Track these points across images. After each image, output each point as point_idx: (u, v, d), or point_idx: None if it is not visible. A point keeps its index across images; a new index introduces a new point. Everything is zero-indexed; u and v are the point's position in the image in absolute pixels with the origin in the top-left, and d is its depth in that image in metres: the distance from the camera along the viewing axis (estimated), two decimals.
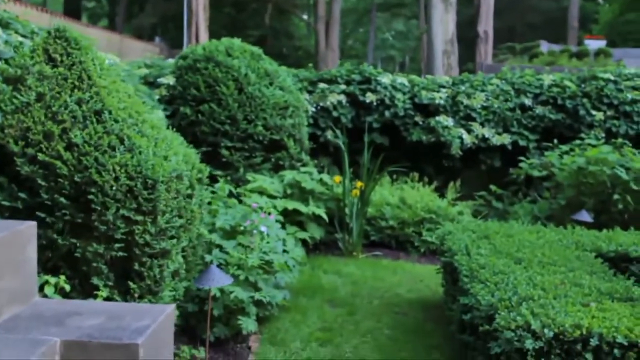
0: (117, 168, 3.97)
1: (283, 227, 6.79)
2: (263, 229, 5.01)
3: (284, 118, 7.87)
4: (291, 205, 6.84)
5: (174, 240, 4.26)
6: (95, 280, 3.98)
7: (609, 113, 9.22)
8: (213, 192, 6.05)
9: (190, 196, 4.55)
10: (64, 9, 33.65)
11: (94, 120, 4.09)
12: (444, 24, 18.03)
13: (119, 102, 4.31)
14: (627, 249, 4.97)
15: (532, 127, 9.38)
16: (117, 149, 4.04)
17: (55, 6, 36.37)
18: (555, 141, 8.81)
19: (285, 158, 7.83)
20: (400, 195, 8.06)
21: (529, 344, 2.96)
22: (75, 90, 4.20)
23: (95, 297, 3.97)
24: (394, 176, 8.89)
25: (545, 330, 2.99)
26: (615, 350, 2.96)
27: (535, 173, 8.67)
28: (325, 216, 7.00)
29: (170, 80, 8.22)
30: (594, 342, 2.97)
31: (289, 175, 7.35)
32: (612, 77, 9.41)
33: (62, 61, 4.29)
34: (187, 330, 4.65)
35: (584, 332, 2.99)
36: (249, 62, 7.95)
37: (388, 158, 8.63)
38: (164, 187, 4.10)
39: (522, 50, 28.53)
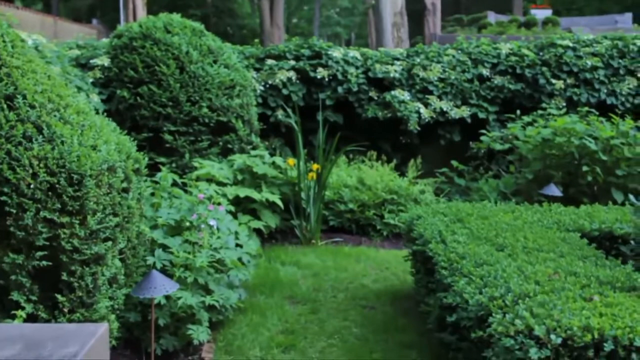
0: (35, 162, 3.36)
1: (235, 217, 6.24)
2: (212, 222, 4.45)
3: (231, 98, 7.30)
4: (243, 192, 6.29)
5: (109, 243, 3.68)
6: (15, 296, 3.38)
7: (569, 81, 8.87)
8: (155, 183, 5.46)
9: (126, 190, 3.96)
10: None
11: (4, 106, 3.46)
12: None
13: (35, 85, 3.68)
14: (611, 227, 4.57)
15: (491, 99, 8.98)
16: (34, 139, 3.43)
17: None
18: (518, 112, 8.41)
19: (234, 141, 7.27)
20: (359, 176, 7.57)
21: (533, 353, 2.49)
22: None
23: (14, 316, 3.38)
24: (350, 156, 8.40)
25: (552, 336, 2.52)
26: (634, 355, 2.52)
27: (498, 146, 8.28)
28: (280, 202, 6.47)
29: (104, 61, 7.55)
30: (608, 346, 2.51)
31: (238, 159, 6.79)
32: (570, 44, 9.06)
33: None
34: (131, 342, 4.08)
35: (596, 336, 2.54)
36: (190, 39, 7.33)
37: (343, 137, 8.12)
38: (93, 182, 3.51)
39: (469, 22, 28.26)
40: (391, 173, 7.75)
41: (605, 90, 8.88)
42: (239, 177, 6.62)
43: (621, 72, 8.92)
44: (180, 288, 4.05)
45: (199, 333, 3.95)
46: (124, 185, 3.91)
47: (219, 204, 4.93)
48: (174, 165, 7.00)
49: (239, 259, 4.63)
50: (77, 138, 3.57)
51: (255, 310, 4.75)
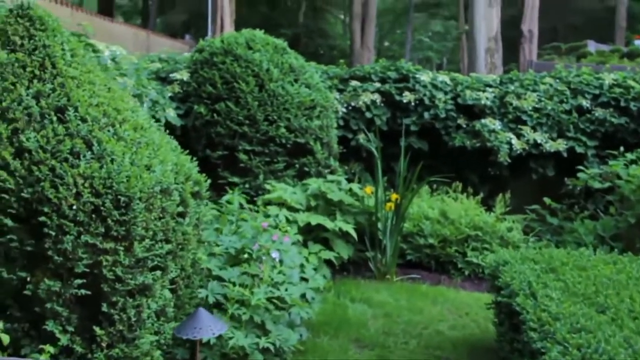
0: (80, 181, 3.06)
1: (305, 245, 5.85)
2: (274, 255, 4.07)
3: (310, 119, 6.96)
4: (315, 219, 5.89)
5: (158, 272, 3.35)
6: (50, 326, 3.08)
7: None
8: (220, 205, 5.15)
9: (182, 215, 3.63)
10: (98, 8, 33.23)
11: (54, 119, 3.19)
12: (487, 20, 16.90)
13: (91, 97, 3.40)
14: None
15: (591, 132, 8.29)
16: (82, 156, 3.14)
17: (92, 6, 35.98)
18: (622, 149, 7.70)
19: (311, 164, 6.91)
20: (441, 209, 7.05)
21: None
22: (35, 81, 3.30)
23: (52, 345, 3.07)
24: (434, 186, 7.89)
25: None
26: None
27: (596, 184, 7.60)
28: (354, 233, 6.03)
29: (184, 75, 7.34)
30: None
31: (313, 184, 6.41)
32: None
33: (22, 45, 3.40)
34: None
35: None
36: (271, 56, 7.05)
37: (427, 166, 7.65)
38: (143, 206, 3.19)
39: (568, 50, 27.15)
40: (477, 207, 7.20)
41: None
42: (312, 203, 6.23)
43: None
44: (233, 326, 3.67)
45: None
46: (180, 209, 3.59)
47: (285, 232, 4.54)
48: (247, 186, 6.70)
49: (303, 296, 4.23)
50: (130, 157, 3.26)
51: (317, 352, 4.32)
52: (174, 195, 3.48)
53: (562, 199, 8.07)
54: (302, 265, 4.57)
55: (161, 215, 3.37)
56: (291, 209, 6.04)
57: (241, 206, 5.20)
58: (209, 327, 3.07)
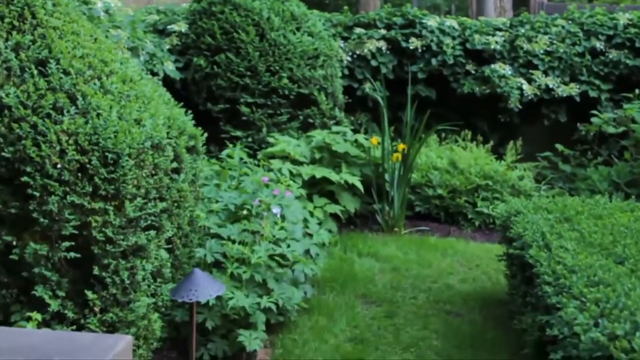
0: (64, 138, 2.88)
1: (310, 199, 5.69)
2: (275, 210, 3.90)
3: (314, 69, 6.73)
4: (320, 172, 5.71)
5: (152, 232, 3.19)
6: (39, 291, 2.94)
7: None
8: (221, 160, 4.98)
9: (177, 171, 3.46)
10: None
11: (35, 72, 2.99)
12: None
13: (74, 49, 3.20)
14: None
15: (605, 76, 8.00)
16: (65, 111, 2.95)
17: None
18: (637, 92, 7.42)
19: (316, 115, 6.70)
20: (450, 158, 6.85)
21: None
22: (14, 33, 3.10)
23: (42, 312, 2.94)
24: (442, 135, 7.66)
25: None
26: None
27: (610, 129, 7.36)
28: (360, 185, 5.85)
29: (182, 27, 7.08)
30: None
31: (318, 136, 6.21)
32: None
33: None
34: (178, 343, 3.60)
35: None
36: (272, 4, 6.79)
37: (435, 114, 7.41)
38: (133, 162, 3.01)
39: None
40: (487, 156, 6.99)
41: None
42: (317, 156, 6.05)
43: None
44: (234, 285, 3.53)
45: (252, 340, 3.42)
46: (174, 165, 3.41)
47: (287, 186, 4.37)
48: (250, 139, 6.52)
49: (307, 252, 4.08)
50: (118, 111, 3.07)
51: (323, 310, 4.19)
52: (167, 151, 3.30)
53: (575, 145, 7.85)
54: (305, 220, 4.41)
55: (154, 172, 3.19)
56: (295, 162, 5.86)
57: (243, 161, 5.01)
58: (206, 288, 2.92)
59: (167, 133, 3.34)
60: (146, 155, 3.10)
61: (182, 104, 3.85)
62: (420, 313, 4.25)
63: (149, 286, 3.22)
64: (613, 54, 7.93)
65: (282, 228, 3.91)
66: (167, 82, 6.57)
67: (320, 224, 4.60)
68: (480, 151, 7.13)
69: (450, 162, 6.77)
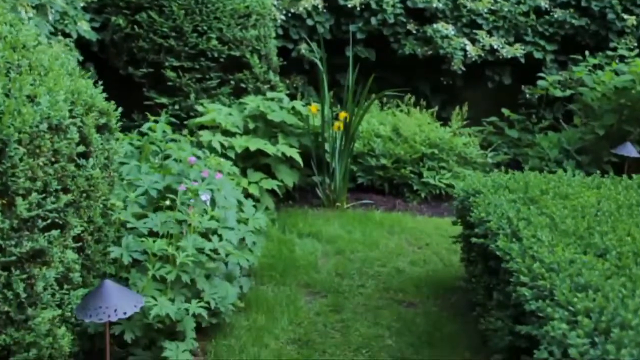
0: None
1: (244, 174, 5.18)
2: (204, 197, 3.37)
3: (246, 29, 6.16)
4: (254, 144, 5.20)
5: (55, 232, 2.63)
6: None
7: None
8: (142, 135, 4.40)
9: (85, 155, 2.90)
10: None
11: None
12: None
13: None
14: None
15: (550, 36, 7.67)
16: None
17: None
18: (587, 53, 7.11)
19: (249, 80, 6.15)
20: (394, 124, 6.41)
21: None
22: None
23: None
24: (383, 99, 7.20)
25: None
26: None
27: (557, 93, 7.04)
28: (299, 158, 5.36)
29: None
30: None
31: (251, 103, 5.67)
32: None
33: None
34: (94, 356, 3.07)
35: None
36: None
37: (376, 77, 6.96)
38: (24, 150, 2.44)
39: None
40: (431, 122, 6.59)
41: None
42: (251, 125, 5.51)
43: None
44: (157, 289, 3.01)
45: (179, 353, 2.92)
46: (81, 149, 2.85)
47: (218, 165, 3.84)
48: (176, 107, 5.94)
49: (242, 240, 3.58)
50: (4, 86, 2.48)
51: (261, 306, 3.71)
52: (71, 133, 2.74)
53: (520, 109, 7.54)
54: (240, 203, 3.90)
55: (53, 159, 2.63)
56: (227, 132, 5.33)
57: (166, 135, 4.44)
58: (119, 305, 2.40)
59: (71, 111, 2.77)
60: (42, 140, 2.53)
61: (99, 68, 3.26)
62: (370, 305, 3.82)
63: (53, 295, 2.68)
64: (558, 13, 7.60)
65: (212, 217, 3.39)
66: (82, 44, 5.93)
67: (255, 206, 4.09)
68: (424, 116, 6.72)
69: (394, 128, 6.34)
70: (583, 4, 7.58)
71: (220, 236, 3.36)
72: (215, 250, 3.28)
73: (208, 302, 3.13)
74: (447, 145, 6.21)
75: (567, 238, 2.91)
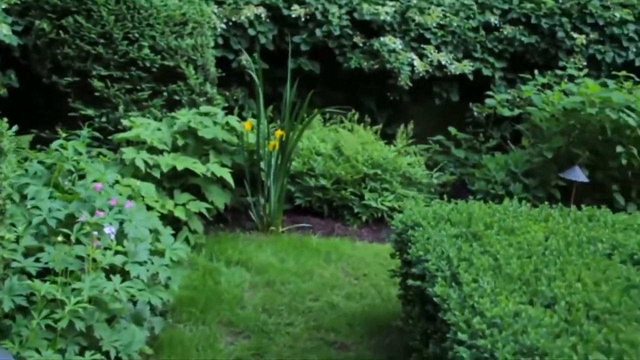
0: None
1: (171, 195, 4.78)
2: (108, 230, 2.98)
3: (181, 37, 5.80)
4: (182, 163, 4.80)
5: None
6: None
7: (592, 36, 7.38)
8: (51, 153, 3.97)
9: None
10: None
11: None
12: None
13: None
14: None
15: (499, 53, 7.46)
16: None
17: None
18: (536, 72, 6.91)
19: (183, 91, 5.79)
20: (335, 142, 6.09)
21: None
22: None
23: None
24: (326, 114, 6.87)
25: None
26: None
27: (506, 112, 6.83)
28: (230, 179, 4.99)
29: None
30: None
31: (182, 118, 5.28)
32: None
33: None
34: None
35: None
36: None
37: (319, 91, 6.65)
38: None
39: None
40: (375, 140, 6.28)
41: (635, 49, 7.41)
42: (180, 142, 5.12)
43: None
44: (45, 337, 2.60)
45: None
46: None
47: (130, 196, 3.45)
48: (103, 119, 5.55)
49: (153, 277, 3.19)
50: None
51: (175, 349, 3.31)
52: None
53: (467, 127, 7.30)
54: (156, 233, 3.51)
55: None
56: (153, 149, 4.93)
57: (79, 153, 4.01)
58: None
59: None
60: None
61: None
62: (298, 347, 3.46)
63: None
64: (508, 30, 7.40)
65: (117, 253, 3.00)
66: (2, 48, 5.51)
67: (175, 234, 3.70)
68: (368, 134, 6.42)
69: (335, 146, 6.02)
70: (533, 21, 7.40)
71: (122, 278, 2.95)
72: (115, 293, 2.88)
73: (107, 352, 2.74)
74: (391, 166, 5.92)
75: (511, 284, 2.60)
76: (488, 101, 6.98)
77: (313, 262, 4.59)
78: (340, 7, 7.38)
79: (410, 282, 2.93)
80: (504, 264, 2.78)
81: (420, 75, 7.15)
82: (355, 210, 5.71)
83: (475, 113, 7.25)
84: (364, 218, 5.69)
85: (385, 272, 4.36)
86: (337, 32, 7.23)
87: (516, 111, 6.80)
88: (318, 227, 5.49)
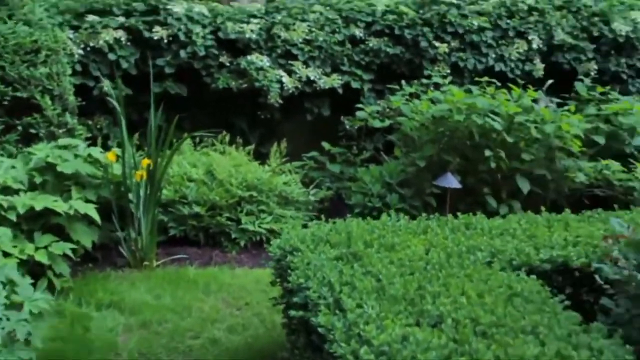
0: None
1: (30, 238, 4.41)
2: None
3: (34, 66, 5.48)
4: (40, 202, 4.44)
5: None
6: None
7: (453, 44, 7.56)
8: None
9: None
10: None
11: None
12: None
13: None
14: (566, 256, 3.23)
15: (366, 65, 7.48)
16: None
17: None
18: (403, 82, 6.97)
19: (40, 124, 5.44)
20: (208, 166, 5.88)
21: None
22: None
23: None
24: (197, 138, 6.63)
25: None
26: None
27: (377, 124, 6.84)
28: (96, 215, 4.67)
29: None
30: None
31: (39, 153, 4.91)
32: (454, 1, 7.74)
33: None
34: None
35: None
36: None
37: (188, 114, 6.42)
38: None
39: None
40: (249, 161, 6.12)
41: (494, 55, 7.65)
42: (38, 180, 4.74)
43: (510, 34, 7.72)
44: None
45: None
46: None
47: None
48: None
49: (9, 335, 2.87)
50: None
51: None
52: None
53: (341, 141, 7.27)
54: (11, 284, 3.17)
55: None
56: (7, 189, 4.53)
57: None
58: None
59: None
60: None
61: None
62: None
63: None
64: (373, 42, 7.44)
65: None
66: None
67: (34, 284, 3.37)
68: (241, 155, 6.25)
69: (208, 171, 5.81)
70: (397, 32, 7.49)
71: None
72: None
73: None
74: (266, 186, 5.77)
75: (396, 305, 2.50)
76: (359, 114, 6.98)
77: (191, 295, 4.35)
78: (204, 26, 7.19)
79: (292, 313, 2.78)
80: (387, 284, 2.68)
81: (290, 91, 7.06)
82: (233, 236, 5.51)
83: (347, 126, 7.22)
84: (242, 243, 5.50)
85: (267, 299, 4.20)
86: (202, 53, 7.03)
87: (387, 122, 6.83)
88: (195, 257, 5.25)
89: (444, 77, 7.10)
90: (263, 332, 3.90)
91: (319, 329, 2.45)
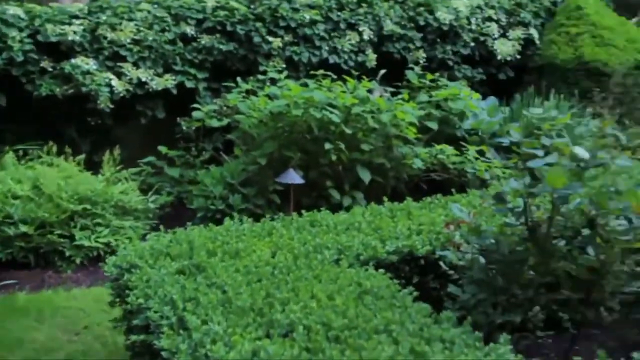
0: None
1: None
2: None
3: None
4: None
5: None
6: None
7: (287, 38, 7.50)
8: None
9: None
10: None
11: None
12: None
13: None
14: (411, 245, 3.23)
15: (200, 63, 7.25)
16: None
17: None
18: (239, 79, 6.81)
19: None
20: (34, 180, 5.42)
21: None
22: None
23: None
24: (19, 152, 6.11)
25: None
26: None
27: (215, 123, 6.65)
28: None
29: None
30: None
31: None
32: None
33: None
34: None
35: None
36: None
37: (9, 125, 5.91)
38: None
39: None
40: (80, 172, 5.72)
41: (327, 48, 7.68)
42: None
43: (342, 26, 7.78)
44: None
45: None
46: None
47: None
48: None
49: None
50: None
51: None
52: None
53: (179, 143, 7.00)
54: None
55: None
56: None
57: None
58: None
59: None
60: None
61: None
62: None
63: None
64: (205, 40, 7.22)
65: None
66: None
67: None
68: (72, 166, 5.83)
69: (34, 186, 5.36)
70: (229, 28, 7.31)
71: None
72: None
73: None
74: (101, 197, 5.40)
75: (244, 317, 2.36)
76: (195, 114, 6.76)
77: (22, 325, 3.95)
78: (21, 30, 6.66)
79: (133, 337, 2.55)
80: (233, 295, 2.53)
81: (121, 95, 6.70)
82: (67, 254, 5.11)
83: (184, 127, 6.97)
84: (78, 261, 5.11)
85: (109, 319, 3.90)
86: (20, 58, 6.51)
87: (225, 120, 6.65)
88: (25, 281, 4.81)
89: (280, 71, 7.02)
90: (105, 356, 3.61)
91: (162, 353, 2.25)
